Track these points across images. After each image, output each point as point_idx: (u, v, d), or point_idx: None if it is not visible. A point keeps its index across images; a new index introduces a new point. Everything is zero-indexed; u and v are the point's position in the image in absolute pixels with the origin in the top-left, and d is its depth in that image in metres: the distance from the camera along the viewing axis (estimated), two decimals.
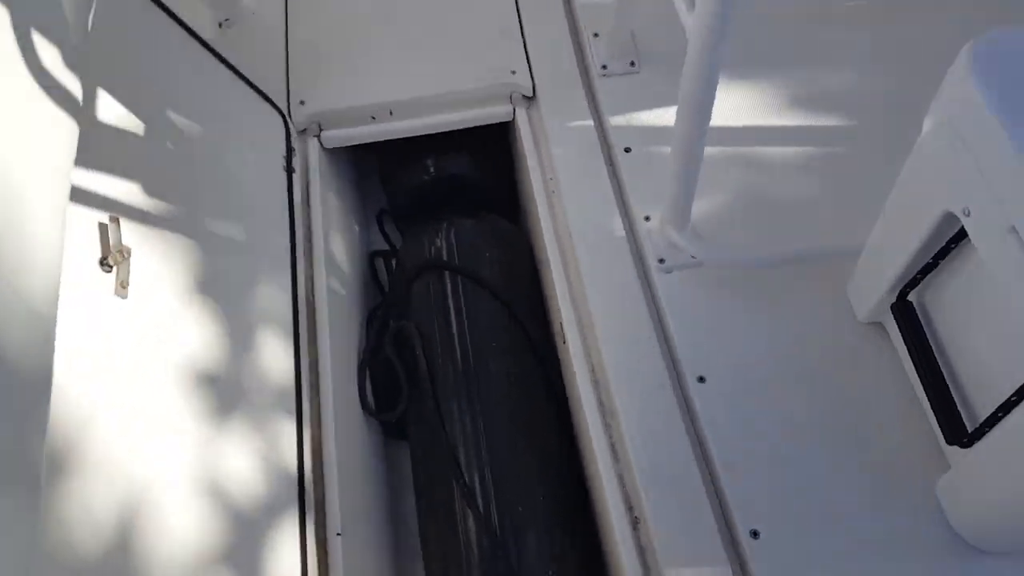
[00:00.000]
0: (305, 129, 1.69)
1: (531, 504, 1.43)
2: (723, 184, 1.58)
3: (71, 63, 0.85)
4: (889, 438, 1.30)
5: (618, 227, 1.55)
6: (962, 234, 1.10)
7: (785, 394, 1.36)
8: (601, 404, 1.40)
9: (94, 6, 0.96)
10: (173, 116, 1.26)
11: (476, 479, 1.44)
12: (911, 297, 1.28)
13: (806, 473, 1.28)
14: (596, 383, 1.43)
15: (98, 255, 0.99)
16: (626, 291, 1.48)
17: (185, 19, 1.36)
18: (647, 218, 1.55)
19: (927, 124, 1.12)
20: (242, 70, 1.52)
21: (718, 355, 1.40)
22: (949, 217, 1.10)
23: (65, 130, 0.84)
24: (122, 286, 1.00)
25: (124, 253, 1.01)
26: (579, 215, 1.57)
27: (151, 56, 1.27)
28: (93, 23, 1.07)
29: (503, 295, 1.61)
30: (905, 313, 1.27)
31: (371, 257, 1.86)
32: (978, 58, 0.99)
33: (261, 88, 1.55)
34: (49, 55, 0.82)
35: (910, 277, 1.24)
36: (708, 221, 1.53)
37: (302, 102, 1.68)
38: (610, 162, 1.64)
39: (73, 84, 0.86)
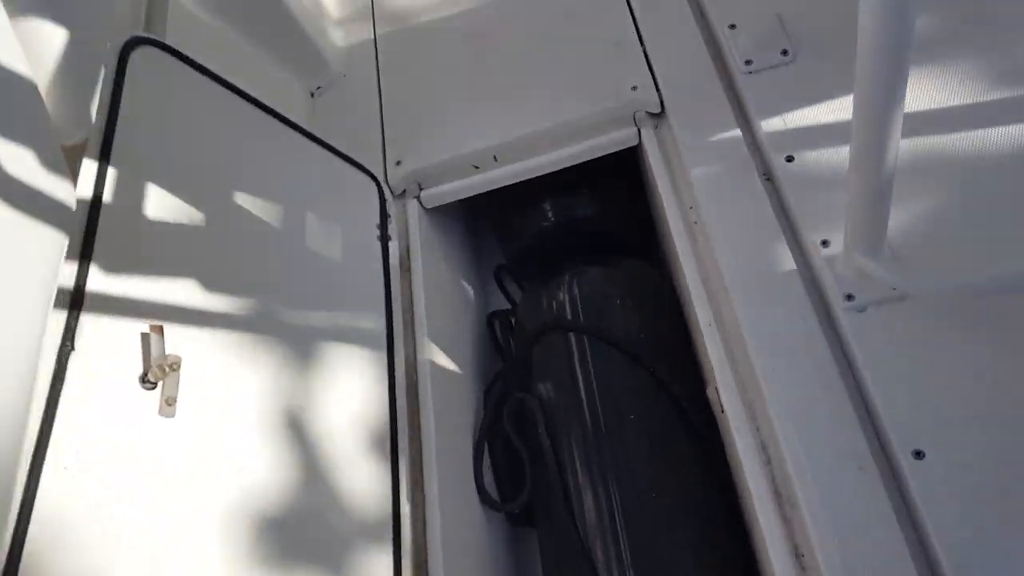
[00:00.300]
0: (404, 191, 1.53)
1: None
2: (924, 190, 1.20)
3: (56, 167, 0.72)
4: None
5: (785, 258, 1.22)
6: None
7: None
8: (777, 493, 1.07)
9: (98, 94, 0.85)
10: (244, 202, 1.14)
11: None
12: None
13: None
14: (768, 464, 1.10)
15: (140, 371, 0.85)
16: (802, 340, 1.14)
17: (276, 92, 1.27)
18: (824, 243, 1.21)
19: None
20: (337, 136, 1.40)
21: (941, 420, 1.02)
22: None
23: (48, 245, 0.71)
24: (168, 403, 0.86)
25: (168, 366, 0.87)
26: (731, 248, 1.26)
27: (222, 142, 1.17)
28: (167, 110, 0.97)
29: (640, 354, 1.33)
30: None
31: (490, 319, 1.66)
32: None
33: (354, 155, 1.43)
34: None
35: None
36: (908, 240, 1.15)
37: (398, 162, 1.53)
38: (767, 177, 1.32)
39: (61, 190, 0.73)
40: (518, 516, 1.38)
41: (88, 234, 0.85)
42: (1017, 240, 1.12)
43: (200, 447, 0.89)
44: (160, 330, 0.88)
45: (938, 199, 1.19)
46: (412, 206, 1.51)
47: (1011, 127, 1.22)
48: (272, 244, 1.17)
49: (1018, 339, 1.05)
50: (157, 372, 0.85)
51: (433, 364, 1.33)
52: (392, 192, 1.51)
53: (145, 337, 0.88)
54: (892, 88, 0.88)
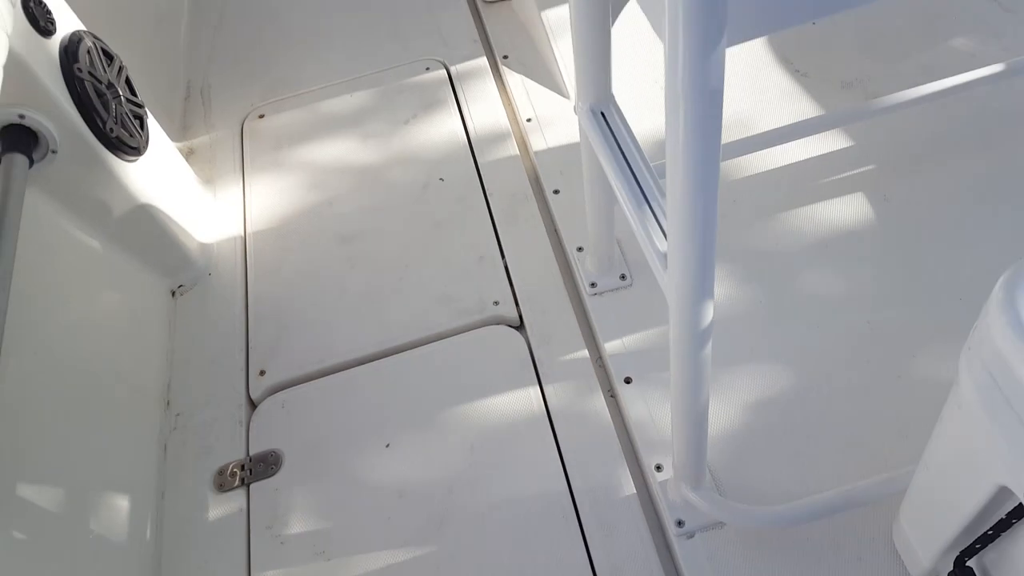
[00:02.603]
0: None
1: None
2: (741, 412, 1.48)
3: None
4: None
5: (625, 481, 1.45)
6: None
7: None
8: None
9: None
10: None
11: None
12: (973, 563, 1.13)
13: None
14: None
15: None
16: (642, 565, 1.35)
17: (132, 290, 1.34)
18: (659, 467, 1.44)
19: (962, 369, 0.98)
20: (198, 339, 1.51)
21: None
22: (1005, 491, 0.98)
23: None
24: None
25: None
26: (578, 468, 1.47)
27: None
28: None
29: None
30: None
31: None
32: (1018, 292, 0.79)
33: (214, 360, 1.53)
34: None
35: (966, 545, 1.10)
36: (728, 463, 1.42)
37: (262, 372, 1.64)
38: (611, 394, 1.56)
39: None
40: None
41: None
42: (819, 468, 1.40)
43: None
44: None
45: (752, 423, 1.46)
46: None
47: (816, 364, 1.53)
48: None
49: (822, 557, 1.31)
50: None
51: None
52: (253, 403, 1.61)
53: None
54: (698, 356, 1.11)
